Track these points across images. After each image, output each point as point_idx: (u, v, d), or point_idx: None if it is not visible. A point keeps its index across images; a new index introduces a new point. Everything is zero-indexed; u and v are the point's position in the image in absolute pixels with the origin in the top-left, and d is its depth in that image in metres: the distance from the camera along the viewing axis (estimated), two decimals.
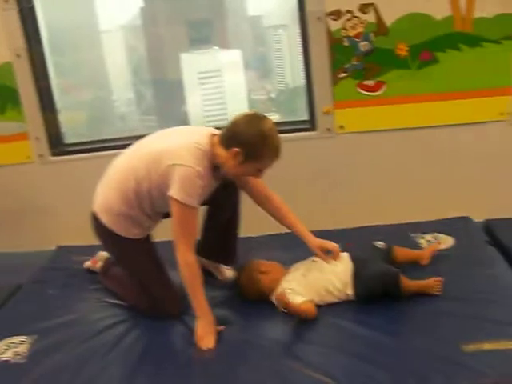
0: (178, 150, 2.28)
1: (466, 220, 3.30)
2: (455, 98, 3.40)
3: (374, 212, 3.38)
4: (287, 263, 2.68)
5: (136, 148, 2.46)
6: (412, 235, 3.08)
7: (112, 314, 2.63)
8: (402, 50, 3.31)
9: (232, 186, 2.58)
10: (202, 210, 2.58)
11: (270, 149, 2.28)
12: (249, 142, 2.24)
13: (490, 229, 3.27)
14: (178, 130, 2.47)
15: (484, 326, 2.28)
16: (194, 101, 4.30)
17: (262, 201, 2.60)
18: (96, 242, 2.67)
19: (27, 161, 3.76)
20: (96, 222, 2.48)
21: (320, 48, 3.31)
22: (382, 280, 2.46)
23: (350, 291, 2.50)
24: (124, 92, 4.40)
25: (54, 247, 3.35)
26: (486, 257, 2.88)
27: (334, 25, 3.28)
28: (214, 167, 2.35)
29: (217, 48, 4.33)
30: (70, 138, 3.94)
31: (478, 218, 3.35)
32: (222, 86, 4.33)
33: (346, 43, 3.32)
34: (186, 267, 2.29)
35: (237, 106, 4.39)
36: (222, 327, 2.37)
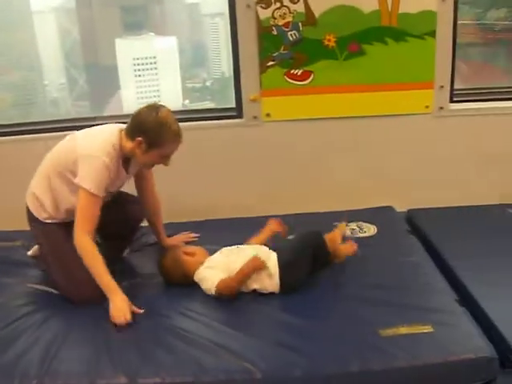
0: (87, 143, 2.48)
1: (388, 210, 3.39)
2: (381, 89, 3.48)
3: (299, 200, 3.42)
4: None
5: (57, 145, 2.62)
6: (336, 224, 3.12)
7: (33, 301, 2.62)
8: (330, 41, 3.35)
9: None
10: None
11: (168, 134, 2.43)
12: (148, 130, 2.41)
13: (411, 218, 3.37)
14: (90, 129, 2.61)
15: (401, 312, 2.37)
16: (128, 87, 4.23)
17: (147, 195, 2.87)
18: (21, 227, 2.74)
19: None
20: (27, 210, 2.65)
21: (249, 36, 3.32)
22: (306, 239, 2.59)
23: (274, 276, 2.53)
24: (56, 76, 4.30)
25: None
26: (407, 245, 2.98)
27: (264, 13, 3.28)
28: (126, 160, 2.55)
29: (152, 34, 4.28)
30: None
31: (401, 208, 3.44)
32: (156, 72, 4.28)
33: (274, 32, 3.33)
34: (83, 250, 2.40)
35: (171, 94, 4.36)
36: (139, 310, 2.39)
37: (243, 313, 2.47)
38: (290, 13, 3.29)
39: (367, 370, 2.10)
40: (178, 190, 3.50)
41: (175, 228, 3.16)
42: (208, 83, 4.42)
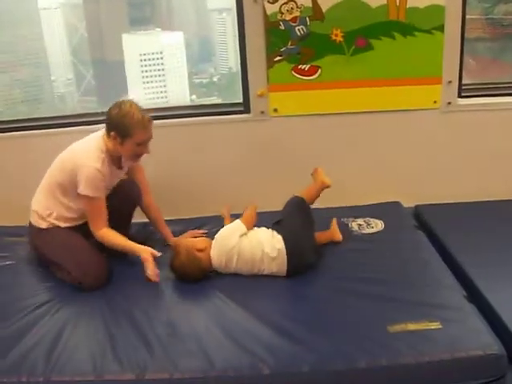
0: (78, 153, 2.75)
1: (396, 205, 3.39)
2: (389, 84, 3.45)
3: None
4: None
5: (56, 160, 2.86)
6: (343, 219, 3.12)
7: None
8: (338, 36, 3.33)
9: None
10: None
11: (133, 123, 2.65)
12: (117, 124, 2.66)
13: (418, 214, 3.36)
14: (78, 142, 2.83)
15: (409, 308, 2.37)
16: (135, 82, 4.23)
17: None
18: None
19: None
20: (30, 233, 2.94)
21: (256, 31, 3.30)
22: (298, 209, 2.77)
23: (280, 249, 2.64)
24: (63, 72, 4.31)
25: None
26: (414, 241, 2.97)
27: (271, 8, 3.27)
28: (118, 158, 2.81)
29: (159, 29, 4.27)
30: (5, 116, 3.81)
31: (409, 203, 3.43)
32: (163, 68, 4.28)
33: (282, 27, 3.31)
34: (105, 239, 2.76)
35: (178, 89, 4.35)
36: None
37: (251, 307, 2.47)
38: (297, 7, 3.28)
39: (375, 366, 2.11)
40: (185, 185, 3.51)
41: (182, 224, 3.17)
42: (215, 78, 4.41)
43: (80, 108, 4.28)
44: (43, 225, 2.84)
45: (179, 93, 4.37)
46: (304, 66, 3.40)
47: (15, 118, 3.73)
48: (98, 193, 2.71)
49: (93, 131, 3.31)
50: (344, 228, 3.08)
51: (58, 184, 2.79)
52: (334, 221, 3.00)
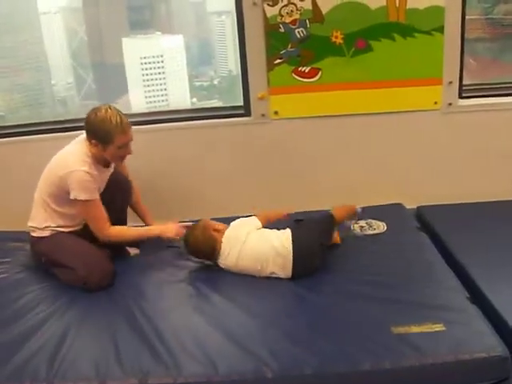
0: (62, 161, 2.75)
1: (398, 207, 3.38)
2: (389, 86, 3.45)
3: (307, 198, 3.41)
4: None
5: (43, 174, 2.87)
6: (346, 221, 3.11)
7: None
8: (338, 38, 3.33)
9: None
10: None
11: (112, 128, 2.65)
12: (96, 131, 2.67)
13: (421, 215, 3.36)
14: (62, 151, 2.83)
15: (412, 310, 2.37)
16: (136, 86, 4.24)
17: None
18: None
19: None
20: (31, 243, 2.93)
21: (256, 34, 3.30)
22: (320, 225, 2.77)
23: (287, 248, 2.63)
24: (64, 76, 4.31)
25: None
26: (417, 242, 2.96)
27: (270, 11, 3.27)
28: (101, 160, 2.80)
29: (159, 33, 4.28)
30: (7, 121, 3.85)
31: (411, 204, 3.42)
32: (163, 71, 4.28)
33: (281, 29, 3.31)
34: (113, 238, 2.80)
35: (178, 92, 4.35)
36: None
37: (253, 310, 2.47)
38: (297, 10, 3.28)
39: (378, 369, 2.10)
40: (186, 188, 3.51)
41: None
42: (215, 81, 4.41)
43: (81, 112, 4.27)
44: (44, 233, 2.85)
45: (180, 96, 4.37)
46: (304, 69, 3.40)
47: (17, 123, 3.72)
48: (92, 195, 2.71)
49: None
50: (346, 230, 3.07)
51: (50, 194, 2.79)
52: None
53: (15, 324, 2.44)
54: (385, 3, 3.27)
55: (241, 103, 3.58)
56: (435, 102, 3.49)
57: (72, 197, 2.69)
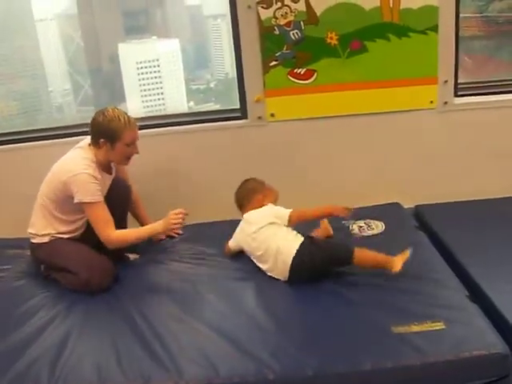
0: (65, 166, 2.77)
1: (396, 206, 3.39)
2: (385, 86, 3.46)
3: (305, 199, 3.40)
4: None
5: (44, 181, 2.88)
6: (344, 222, 3.12)
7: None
8: (332, 39, 3.34)
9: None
10: None
11: (120, 125, 2.73)
12: (104, 130, 2.74)
13: (419, 214, 3.36)
14: (64, 157, 2.86)
15: (412, 309, 2.37)
16: (133, 91, 4.24)
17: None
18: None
19: None
20: (31, 249, 2.93)
21: (251, 37, 3.31)
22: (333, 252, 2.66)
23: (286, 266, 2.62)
24: (60, 82, 4.31)
25: None
26: (415, 241, 2.95)
27: (265, 13, 3.28)
28: (107, 166, 2.87)
29: (155, 37, 4.28)
30: (4, 128, 3.83)
31: (409, 204, 3.43)
32: (160, 75, 4.29)
33: (276, 32, 3.32)
34: (119, 242, 2.81)
35: (175, 96, 4.36)
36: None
37: (254, 312, 2.48)
38: (291, 12, 3.28)
39: (379, 369, 2.10)
40: (184, 192, 3.51)
41: (183, 230, 3.17)
42: (212, 84, 4.42)
43: (78, 118, 4.28)
44: (44, 239, 2.86)
45: (177, 100, 4.38)
46: (300, 70, 3.40)
47: (14, 130, 3.73)
48: (97, 197, 2.72)
49: None
50: (345, 230, 3.08)
51: (52, 200, 2.80)
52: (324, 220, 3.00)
53: (16, 331, 2.44)
54: (379, 4, 3.28)
55: (237, 106, 3.57)
56: (431, 101, 3.50)
57: (76, 200, 2.70)
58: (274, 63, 3.39)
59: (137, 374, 2.13)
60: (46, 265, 2.89)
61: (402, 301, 2.44)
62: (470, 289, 2.54)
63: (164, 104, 4.27)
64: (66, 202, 2.77)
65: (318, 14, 3.30)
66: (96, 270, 2.69)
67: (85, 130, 3.44)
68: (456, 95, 3.53)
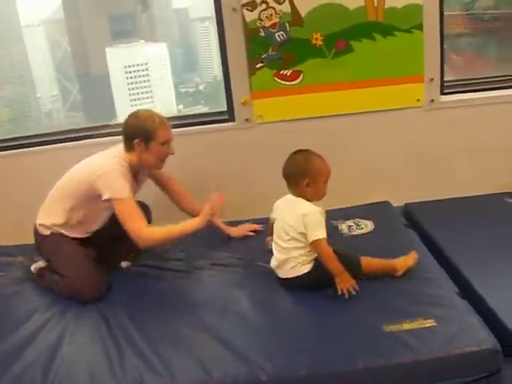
0: (96, 165, 2.72)
1: (385, 205, 3.39)
2: (372, 85, 3.47)
3: None
4: None
5: (68, 173, 2.84)
6: (333, 222, 3.13)
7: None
8: (318, 40, 3.35)
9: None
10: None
11: (155, 124, 2.72)
12: (139, 131, 2.72)
13: (408, 212, 3.37)
14: (93, 156, 2.83)
15: (403, 307, 2.37)
16: (121, 95, 4.24)
17: (180, 195, 3.17)
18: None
19: None
20: (36, 232, 2.87)
21: (236, 39, 3.31)
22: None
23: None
24: (49, 88, 4.31)
25: None
26: (405, 240, 2.97)
27: (250, 15, 3.28)
28: (135, 174, 2.81)
29: (143, 41, 4.28)
30: None
31: (398, 202, 3.44)
32: (149, 79, 4.29)
33: (262, 34, 3.32)
34: (152, 236, 2.68)
35: (164, 100, 4.36)
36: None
37: (245, 314, 2.48)
38: (276, 14, 3.29)
39: (372, 367, 2.11)
40: None
41: None
42: (201, 87, 4.42)
43: (67, 123, 4.28)
44: (47, 232, 2.82)
45: (166, 103, 4.38)
46: (286, 72, 3.41)
47: (2, 138, 3.71)
48: (126, 192, 2.65)
49: (81, 147, 3.34)
50: (334, 230, 3.08)
51: (71, 197, 2.76)
52: None
53: (8, 337, 2.43)
54: (363, 3, 3.29)
55: (225, 109, 3.58)
56: (418, 100, 3.51)
57: (106, 197, 2.64)
58: (260, 65, 3.39)
59: (129, 378, 2.13)
60: (46, 260, 2.87)
61: (393, 299, 2.44)
62: (460, 286, 2.55)
63: (153, 108, 4.26)
64: (86, 199, 2.73)
65: (303, 15, 3.30)
66: (88, 283, 2.66)
67: (75, 135, 3.47)
68: (442, 93, 3.55)
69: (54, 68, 4.22)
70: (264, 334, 2.33)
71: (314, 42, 3.35)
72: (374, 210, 3.30)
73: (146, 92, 4.28)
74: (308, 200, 2.56)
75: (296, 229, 2.50)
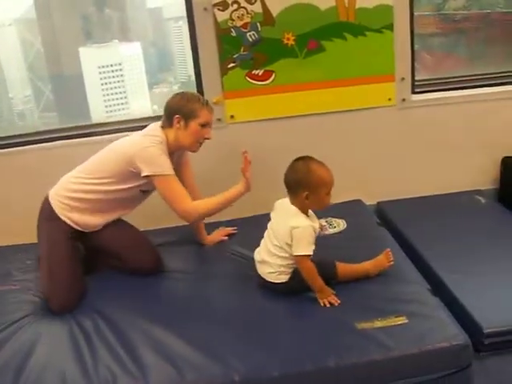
0: (134, 141, 2.73)
1: (357, 203, 3.42)
2: (343, 85, 3.49)
3: (268, 201, 3.41)
4: None
5: (105, 149, 2.82)
6: None
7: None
8: (289, 40, 3.36)
9: None
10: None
11: (197, 104, 2.73)
12: (181, 107, 2.71)
13: (381, 210, 3.39)
14: (133, 134, 2.85)
15: (375, 305, 2.40)
16: (95, 95, 4.21)
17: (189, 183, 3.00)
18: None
19: None
20: (44, 203, 2.78)
21: (208, 39, 3.31)
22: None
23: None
24: (21, 89, 4.27)
25: None
26: (377, 237, 2.98)
27: (221, 15, 3.28)
28: (171, 154, 2.75)
29: (116, 41, 4.26)
30: None
31: (370, 201, 3.46)
32: (123, 79, 4.27)
33: (233, 33, 3.32)
34: (199, 210, 2.71)
35: (139, 100, 4.34)
36: None
37: (217, 316, 2.48)
38: (247, 14, 3.29)
39: (344, 365, 2.12)
40: (152, 197, 3.49)
41: (162, 234, 3.21)
42: (175, 87, 4.41)
43: (41, 124, 4.24)
44: (57, 209, 2.75)
45: (141, 104, 4.36)
46: (258, 72, 3.41)
47: None
48: (168, 169, 2.65)
49: (55, 148, 3.31)
50: None
51: (108, 171, 2.72)
52: None
53: None
54: (334, 3, 3.31)
55: None
56: (389, 99, 3.54)
57: (147, 173, 2.63)
58: (231, 65, 3.39)
59: (102, 379, 2.12)
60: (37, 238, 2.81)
61: (365, 297, 2.46)
62: (431, 282, 2.58)
63: (128, 108, 4.25)
64: (123, 175, 2.71)
65: (274, 15, 3.31)
66: (56, 297, 2.61)
67: (48, 136, 3.44)
68: (413, 92, 3.59)
69: (27, 68, 4.17)
70: (237, 334, 2.33)
71: (285, 41, 3.36)
72: (347, 209, 3.31)
73: (120, 92, 4.25)
74: (307, 210, 2.52)
75: (283, 239, 2.48)
